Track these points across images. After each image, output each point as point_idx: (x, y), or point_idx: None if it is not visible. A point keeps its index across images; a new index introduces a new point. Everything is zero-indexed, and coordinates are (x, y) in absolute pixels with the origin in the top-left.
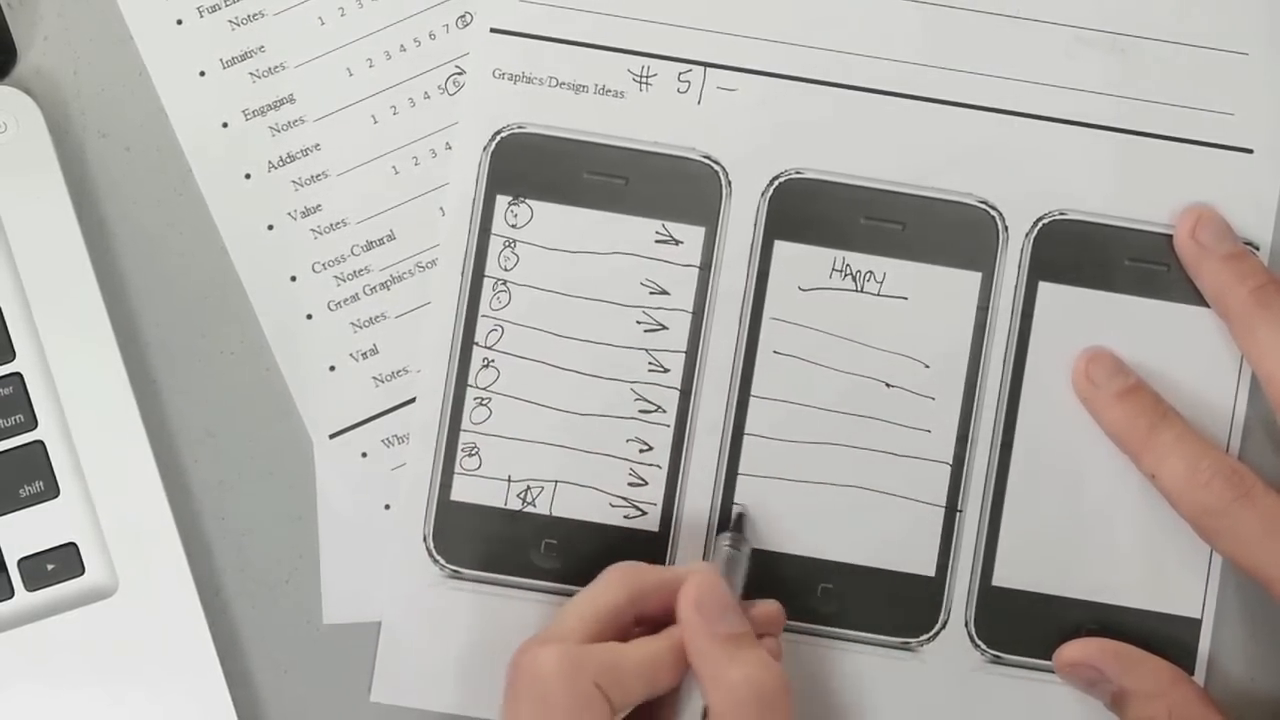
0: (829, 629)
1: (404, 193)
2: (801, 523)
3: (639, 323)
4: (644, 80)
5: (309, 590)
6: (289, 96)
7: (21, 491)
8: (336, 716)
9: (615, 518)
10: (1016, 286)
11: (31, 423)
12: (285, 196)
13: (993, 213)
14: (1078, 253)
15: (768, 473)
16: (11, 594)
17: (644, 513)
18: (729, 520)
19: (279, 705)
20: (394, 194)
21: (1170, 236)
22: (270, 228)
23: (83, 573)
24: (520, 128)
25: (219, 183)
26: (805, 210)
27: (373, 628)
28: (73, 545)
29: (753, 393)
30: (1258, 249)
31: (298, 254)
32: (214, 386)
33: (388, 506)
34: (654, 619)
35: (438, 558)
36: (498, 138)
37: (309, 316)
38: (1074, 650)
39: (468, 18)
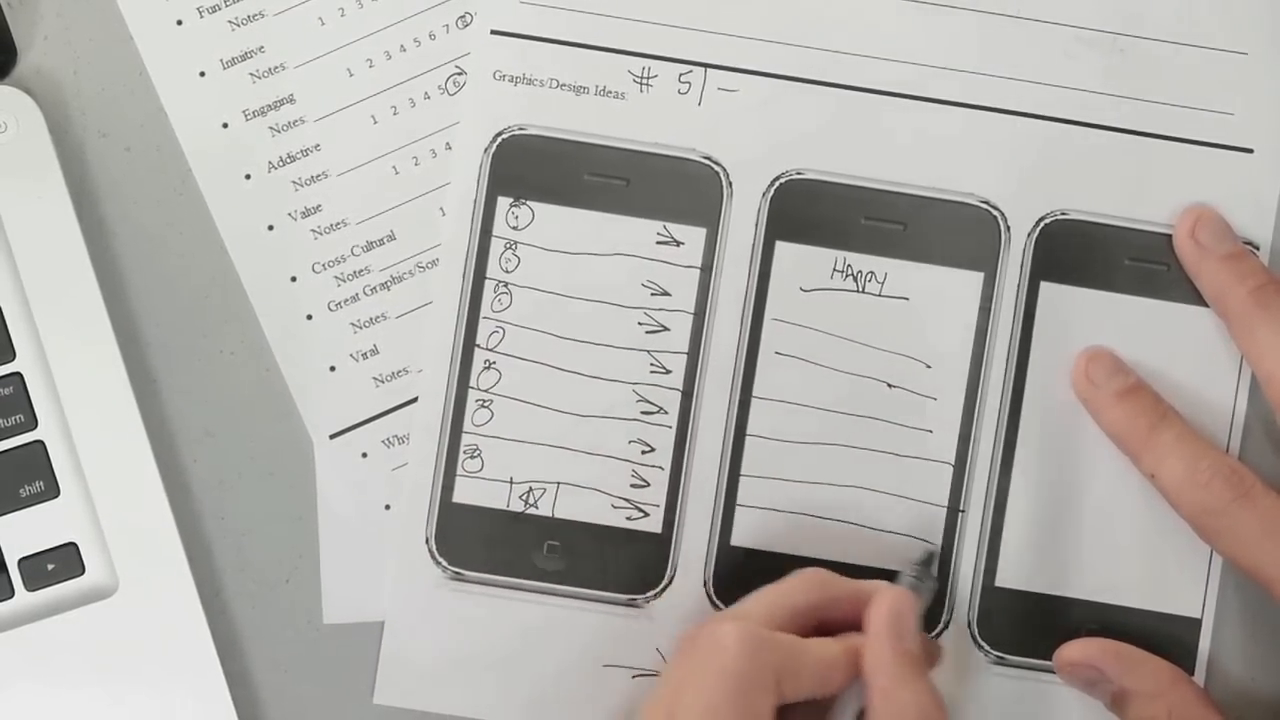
0: None
1: (404, 193)
2: (803, 524)
3: (640, 324)
4: (644, 81)
5: (309, 590)
6: (289, 97)
7: (21, 491)
8: (336, 717)
9: (617, 519)
10: (1018, 286)
11: (31, 423)
12: (285, 197)
13: (994, 213)
14: (1079, 252)
15: (769, 473)
16: (11, 594)
17: (646, 514)
18: (921, 556)
19: (279, 705)
20: (394, 194)
21: (1170, 236)
22: (270, 228)
23: (83, 573)
24: (521, 129)
25: (219, 183)
26: (806, 211)
27: (373, 628)
28: (73, 545)
29: (754, 394)
30: (1257, 249)
31: (298, 254)
32: (214, 386)
33: (388, 507)
34: (833, 628)
35: (440, 560)
36: (498, 139)
37: (309, 317)
38: (1074, 650)
39: (468, 18)
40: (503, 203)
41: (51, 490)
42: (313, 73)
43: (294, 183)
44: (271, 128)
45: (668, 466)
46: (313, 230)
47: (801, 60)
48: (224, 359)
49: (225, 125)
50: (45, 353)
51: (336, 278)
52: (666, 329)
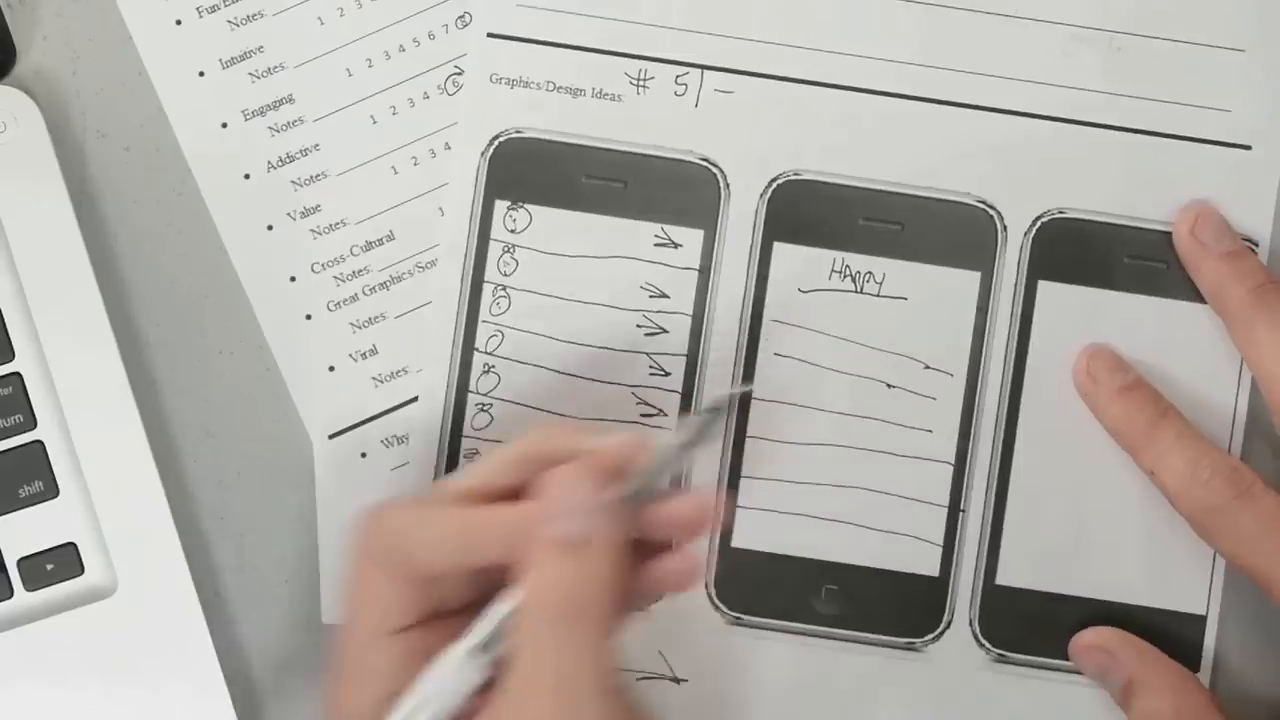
0: (834, 630)
1: (403, 193)
2: (804, 524)
3: (639, 326)
4: (641, 83)
5: (309, 590)
6: (288, 97)
7: (21, 491)
8: None
9: None
10: (1016, 285)
11: (31, 423)
12: (284, 197)
13: (991, 212)
14: (1077, 251)
15: (770, 475)
16: (11, 594)
17: None
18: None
19: (279, 705)
20: (393, 194)
21: (1169, 234)
22: (270, 228)
23: (82, 573)
24: (518, 132)
25: (218, 183)
26: (804, 212)
27: None
28: (72, 545)
29: (753, 396)
30: (1257, 245)
31: (297, 254)
32: (214, 386)
33: None
34: None
35: None
36: (495, 142)
37: (308, 317)
38: (1090, 635)
39: (467, 18)
40: (500, 206)
41: (51, 490)
42: (312, 73)
43: (293, 183)
44: (271, 128)
45: None
46: (312, 230)
47: (798, 61)
48: (223, 359)
49: (224, 125)
50: (44, 353)
51: (335, 278)
52: (665, 331)
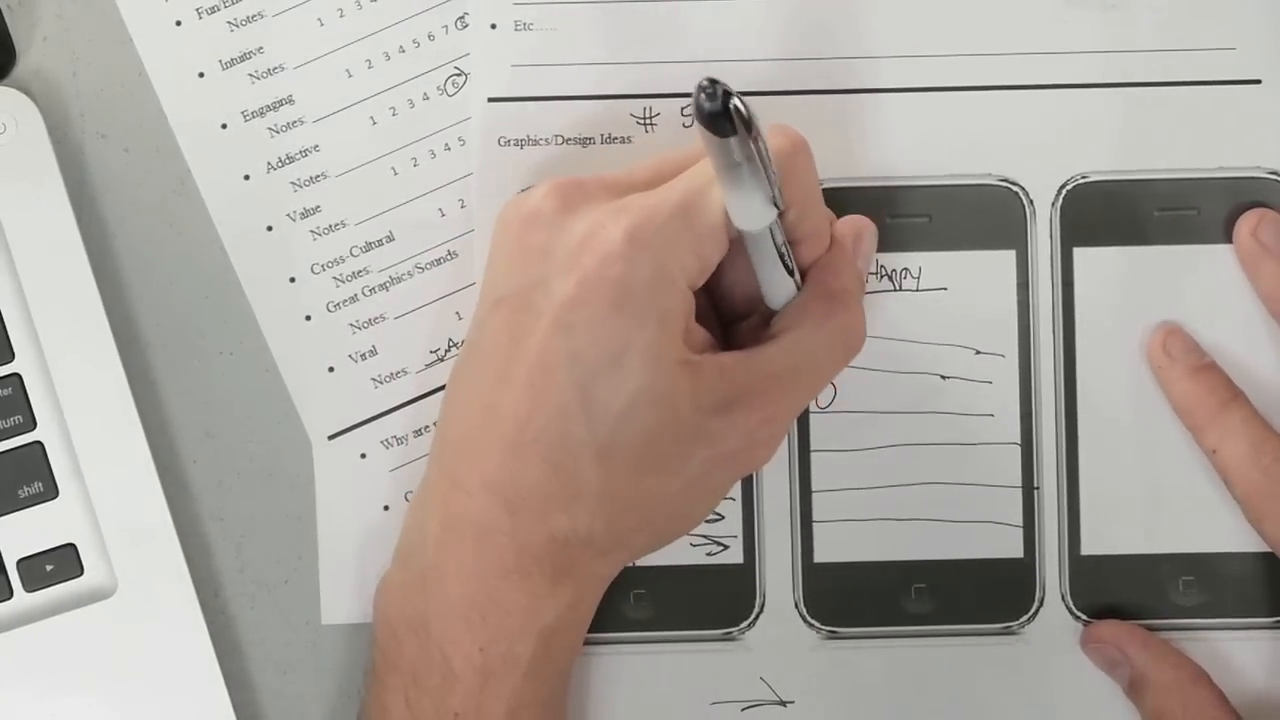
0: (929, 628)
1: (403, 194)
2: (883, 529)
3: None
4: (648, 122)
5: (308, 590)
6: (288, 98)
7: (20, 492)
8: (335, 717)
9: (698, 556)
10: (1052, 257)
11: (30, 423)
12: (284, 198)
13: (1015, 189)
14: (1106, 212)
15: (841, 485)
16: (10, 595)
17: (726, 547)
18: None
19: (278, 705)
20: (393, 195)
21: (1194, 180)
22: (269, 229)
23: (81, 573)
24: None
25: (218, 184)
26: None
27: (371, 629)
28: (71, 546)
29: (810, 409)
30: (1278, 175)
31: (297, 255)
32: (213, 387)
33: (387, 508)
34: None
35: None
36: None
37: (308, 318)
38: (1103, 630)
39: (466, 19)
40: None
41: (50, 491)
42: (312, 74)
43: (293, 184)
44: (270, 128)
45: (738, 496)
46: (311, 231)
47: (796, 72)
48: (223, 359)
49: (224, 126)
50: (44, 354)
51: (335, 279)
52: None
